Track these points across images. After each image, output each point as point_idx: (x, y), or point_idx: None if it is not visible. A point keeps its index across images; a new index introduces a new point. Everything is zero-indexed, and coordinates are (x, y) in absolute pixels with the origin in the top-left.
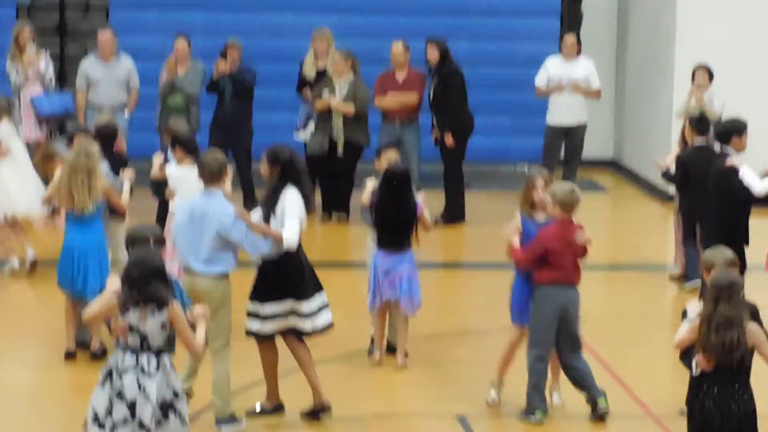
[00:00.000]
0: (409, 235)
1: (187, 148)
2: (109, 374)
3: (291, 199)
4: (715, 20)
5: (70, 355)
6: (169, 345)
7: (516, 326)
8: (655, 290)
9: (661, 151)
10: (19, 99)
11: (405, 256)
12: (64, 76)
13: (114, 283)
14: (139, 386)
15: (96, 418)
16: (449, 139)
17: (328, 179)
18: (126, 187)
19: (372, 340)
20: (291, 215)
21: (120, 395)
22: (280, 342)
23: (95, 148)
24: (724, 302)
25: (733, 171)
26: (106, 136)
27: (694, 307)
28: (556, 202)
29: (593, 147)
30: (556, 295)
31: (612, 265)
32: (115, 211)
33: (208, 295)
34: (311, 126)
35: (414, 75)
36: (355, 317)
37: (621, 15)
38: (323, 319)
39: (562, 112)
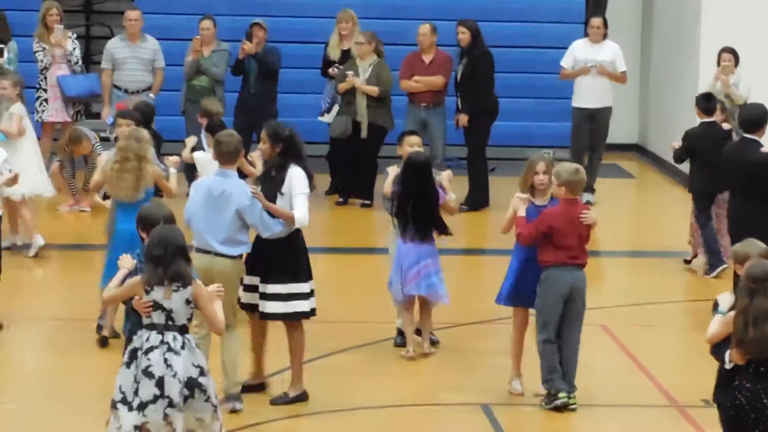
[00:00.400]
0: (432, 226)
1: (214, 132)
2: (134, 354)
3: (298, 176)
4: (740, 2)
5: (104, 342)
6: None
7: (517, 310)
8: (678, 277)
9: None
10: (46, 79)
11: (428, 247)
12: (90, 57)
13: (126, 262)
14: (166, 363)
15: (123, 399)
16: (463, 119)
17: (351, 163)
18: (172, 172)
19: (398, 331)
20: (300, 193)
21: (147, 373)
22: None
23: (145, 133)
24: (761, 295)
25: None
26: (145, 115)
27: (726, 299)
28: (561, 182)
29: (618, 131)
30: (563, 276)
31: (635, 251)
32: (161, 194)
33: (224, 275)
34: (336, 109)
35: (441, 57)
36: (380, 304)
37: None
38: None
39: (587, 95)
